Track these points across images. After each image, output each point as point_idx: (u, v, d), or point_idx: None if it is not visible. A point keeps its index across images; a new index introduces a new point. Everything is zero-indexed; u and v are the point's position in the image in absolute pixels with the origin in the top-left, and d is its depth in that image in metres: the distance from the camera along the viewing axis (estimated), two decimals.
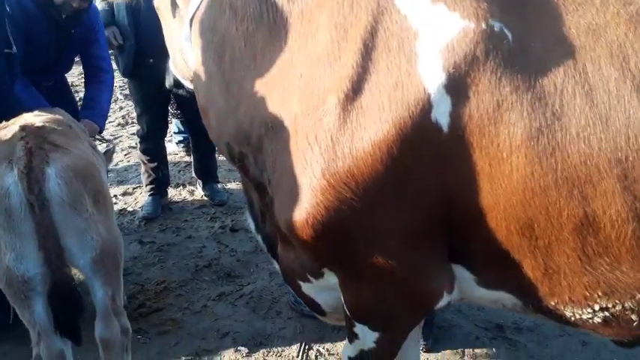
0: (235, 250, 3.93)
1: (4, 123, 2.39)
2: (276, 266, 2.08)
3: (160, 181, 4.56)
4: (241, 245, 3.98)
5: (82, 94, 4.27)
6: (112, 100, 7.50)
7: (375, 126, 1.37)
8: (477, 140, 1.32)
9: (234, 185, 4.97)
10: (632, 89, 1.21)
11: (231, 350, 2.94)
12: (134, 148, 5.64)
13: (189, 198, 4.84)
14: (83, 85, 3.99)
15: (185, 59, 2.11)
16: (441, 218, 1.43)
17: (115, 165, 5.57)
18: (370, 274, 1.55)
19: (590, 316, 1.43)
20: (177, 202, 4.78)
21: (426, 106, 1.34)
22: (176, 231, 4.25)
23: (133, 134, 5.67)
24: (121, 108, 7.22)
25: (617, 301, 1.36)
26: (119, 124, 6.68)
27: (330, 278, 1.72)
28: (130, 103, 6.37)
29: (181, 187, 5.04)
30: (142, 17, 3.89)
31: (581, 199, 1.26)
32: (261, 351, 2.93)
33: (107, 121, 6.63)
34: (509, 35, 1.32)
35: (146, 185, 4.58)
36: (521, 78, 1.28)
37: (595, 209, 1.25)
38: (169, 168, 4.85)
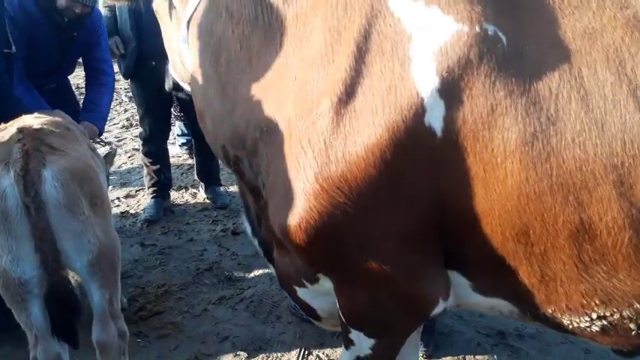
0: (236, 254, 3.92)
1: (2, 125, 2.39)
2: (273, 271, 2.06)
3: (162, 184, 4.58)
4: (242, 249, 3.97)
5: None
6: (117, 102, 7.58)
7: (368, 130, 1.36)
8: (471, 145, 1.30)
9: (236, 188, 4.96)
10: (629, 94, 1.19)
11: (231, 354, 2.93)
12: (138, 150, 5.66)
13: (192, 201, 4.85)
14: None
15: (183, 62, 2.11)
16: (435, 223, 1.41)
17: (119, 167, 5.59)
18: (364, 279, 1.54)
19: (587, 324, 1.41)
20: (180, 204, 4.80)
21: (420, 110, 1.32)
22: (178, 234, 4.25)
23: (137, 137, 5.70)
24: (125, 110, 7.26)
25: (615, 310, 1.34)
26: (123, 127, 6.71)
27: (325, 283, 1.70)
28: (135, 105, 6.41)
29: (184, 189, 5.05)
30: (144, 20, 3.91)
31: (576, 206, 1.23)
32: (261, 355, 2.91)
33: (111, 123, 6.70)
34: (504, 39, 1.30)
35: (148, 188, 4.59)
36: (516, 82, 1.26)
37: (591, 216, 1.23)
38: (172, 170, 4.87)
